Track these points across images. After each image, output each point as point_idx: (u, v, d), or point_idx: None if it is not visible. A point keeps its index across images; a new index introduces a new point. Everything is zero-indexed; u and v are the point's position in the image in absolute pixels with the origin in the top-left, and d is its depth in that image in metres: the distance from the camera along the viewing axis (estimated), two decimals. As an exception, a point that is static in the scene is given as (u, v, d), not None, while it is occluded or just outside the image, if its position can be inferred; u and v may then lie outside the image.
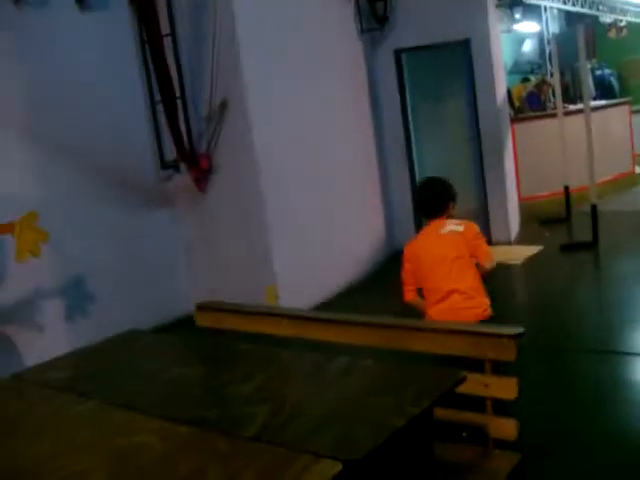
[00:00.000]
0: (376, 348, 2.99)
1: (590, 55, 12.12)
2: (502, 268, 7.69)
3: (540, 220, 9.68)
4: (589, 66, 16.73)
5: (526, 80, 13.12)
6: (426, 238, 3.92)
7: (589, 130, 8.15)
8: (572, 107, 11.32)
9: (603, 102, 12.15)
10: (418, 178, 10.49)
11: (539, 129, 10.32)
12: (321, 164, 7.34)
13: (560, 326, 5.92)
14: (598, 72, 17.79)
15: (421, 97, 10.49)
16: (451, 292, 3.70)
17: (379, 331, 2.97)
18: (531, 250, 8.28)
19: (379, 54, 8.89)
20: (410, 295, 3.92)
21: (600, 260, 8.00)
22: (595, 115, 11.16)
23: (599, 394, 4.50)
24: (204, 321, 3.54)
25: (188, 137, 6.74)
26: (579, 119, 10.80)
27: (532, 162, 10.37)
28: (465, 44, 8.60)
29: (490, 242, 8.61)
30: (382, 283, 7.80)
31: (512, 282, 7.55)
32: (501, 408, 2.72)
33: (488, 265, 3.83)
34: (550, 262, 7.88)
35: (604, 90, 17.24)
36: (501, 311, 5.86)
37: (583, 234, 8.23)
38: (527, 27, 13.86)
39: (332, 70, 7.67)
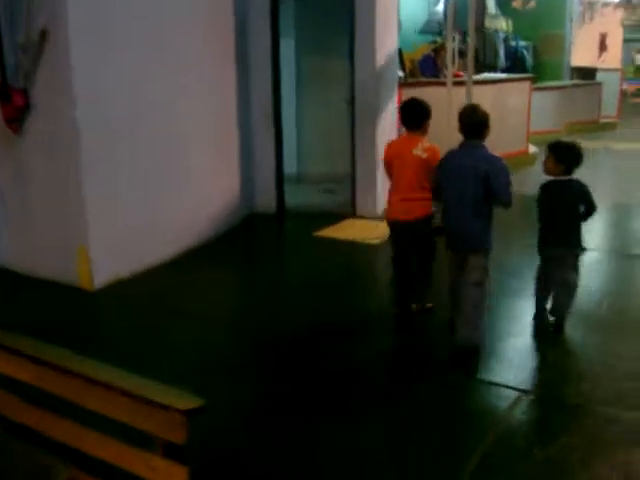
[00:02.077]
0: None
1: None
2: (358, 248, 7.12)
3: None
4: (503, 36, 16.28)
5: (434, 42, 12.47)
6: (401, 149, 4.95)
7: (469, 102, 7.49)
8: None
9: (503, 76, 11.57)
10: (296, 139, 9.86)
11: (428, 97, 9.59)
12: (165, 117, 6.47)
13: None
14: (513, 43, 17.33)
15: (307, 51, 9.75)
16: (405, 197, 4.84)
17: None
18: (395, 228, 7.67)
19: (253, 2, 8.00)
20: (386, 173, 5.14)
21: None
22: (493, 88, 10.66)
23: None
24: None
25: (0, 68, 5.79)
26: (474, 90, 10.28)
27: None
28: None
29: (354, 215, 8.03)
30: (230, 247, 7.16)
31: (357, 266, 6.95)
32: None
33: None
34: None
35: (516, 62, 16.79)
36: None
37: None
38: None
39: (187, 13, 6.74)
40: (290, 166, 9.72)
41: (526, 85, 11.47)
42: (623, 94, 22.01)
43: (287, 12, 9.59)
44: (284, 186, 8.51)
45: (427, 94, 9.60)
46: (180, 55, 6.62)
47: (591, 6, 19.30)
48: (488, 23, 16.28)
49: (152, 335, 5.09)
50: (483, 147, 4.49)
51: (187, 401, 1.91)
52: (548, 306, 5.03)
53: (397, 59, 9.32)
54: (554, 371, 4.57)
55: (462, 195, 4.42)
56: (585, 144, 5.38)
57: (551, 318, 5.01)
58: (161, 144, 6.45)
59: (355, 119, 7.92)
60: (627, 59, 33.46)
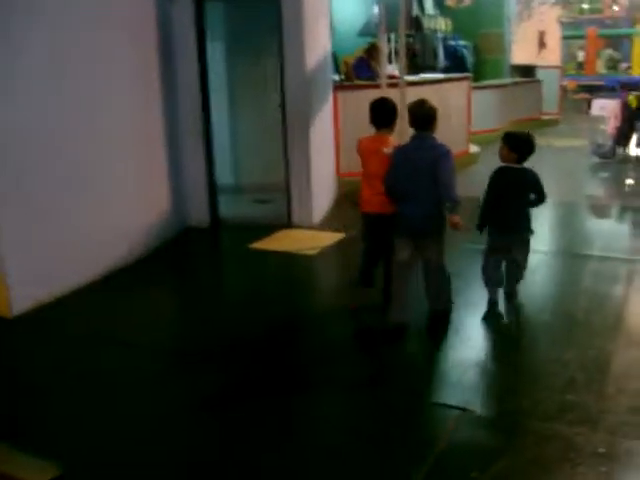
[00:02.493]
0: None
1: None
2: (294, 259, 6.83)
3: (352, 200, 8.84)
4: (441, 36, 16.17)
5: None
6: (372, 147, 5.20)
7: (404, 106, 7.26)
8: (408, 78, 10.49)
9: (441, 76, 11.38)
10: (229, 147, 9.53)
11: (364, 100, 9.37)
12: (84, 131, 6.08)
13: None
14: (452, 43, 17.23)
15: (239, 55, 9.42)
16: (380, 192, 4.98)
17: None
18: (333, 237, 7.39)
19: (177, 4, 7.62)
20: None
21: None
22: (431, 89, 10.45)
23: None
24: None
25: None
26: (411, 91, 10.06)
27: (355, 135, 9.45)
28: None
29: (290, 224, 7.74)
30: (162, 264, 6.80)
31: (294, 278, 6.57)
32: None
33: None
34: (345, 255, 7.01)
35: (456, 62, 16.69)
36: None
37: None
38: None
39: (107, 19, 6.34)
40: (226, 176, 9.39)
41: (465, 85, 11.31)
42: (564, 91, 22.16)
43: (216, 13, 9.29)
44: (219, 197, 8.17)
45: (362, 97, 9.42)
46: (100, 64, 6.24)
47: (528, 4, 19.34)
48: (427, 23, 16.16)
49: (71, 364, 4.70)
50: (432, 138, 4.84)
51: (45, 474, 1.62)
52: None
53: (330, 63, 9.08)
54: (495, 386, 4.34)
55: (417, 183, 4.74)
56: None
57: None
58: (81, 159, 6.05)
59: (287, 126, 7.61)
60: (568, 56, 33.92)
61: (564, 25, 30.91)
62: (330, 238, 7.34)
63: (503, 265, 5.31)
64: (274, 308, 5.66)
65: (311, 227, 7.73)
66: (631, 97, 11.90)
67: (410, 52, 15.35)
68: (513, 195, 5.07)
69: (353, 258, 6.94)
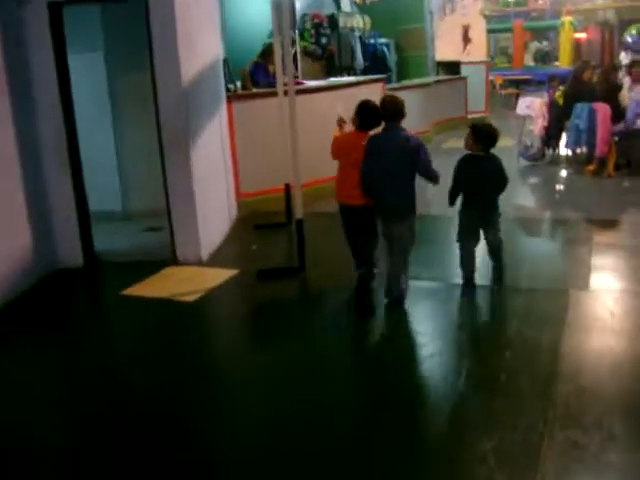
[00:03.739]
0: None
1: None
2: (171, 309, 5.72)
3: (255, 225, 7.78)
4: (357, 34, 15.21)
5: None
6: (353, 143, 5.32)
7: (292, 116, 6.32)
8: (311, 83, 9.47)
9: (352, 79, 10.36)
10: (116, 168, 8.39)
11: (262, 110, 8.34)
12: None
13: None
14: (372, 41, 16.31)
15: (121, 67, 8.26)
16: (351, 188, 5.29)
17: None
18: (222, 275, 6.30)
19: (30, 9, 6.42)
20: (333, 157, 5.61)
21: (300, 299, 6.12)
22: (343, 94, 9.46)
23: None
24: None
25: None
26: (317, 98, 9.07)
27: (255, 150, 8.43)
28: (142, -3, 6.38)
29: (175, 260, 6.64)
30: (12, 324, 5.58)
31: (167, 335, 5.34)
32: None
33: None
34: (233, 300, 5.95)
35: (377, 62, 15.77)
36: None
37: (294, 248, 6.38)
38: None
39: None
40: (112, 202, 8.29)
41: (379, 87, 10.33)
42: (492, 86, 21.49)
43: (93, 22, 8.15)
44: (100, 227, 7.05)
45: (259, 107, 8.39)
46: None
47: (450, -3, 18.54)
48: (343, 22, 15.18)
49: None
50: (404, 129, 5.20)
51: None
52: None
53: (221, 71, 7.98)
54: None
55: (391, 172, 5.10)
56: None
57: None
58: None
59: (163, 146, 6.49)
60: (498, 50, 33.55)
61: (491, 19, 30.51)
62: (218, 277, 6.25)
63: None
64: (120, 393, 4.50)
65: (200, 263, 6.63)
66: (558, 94, 11.09)
67: (326, 53, 14.40)
68: (483, 179, 5.53)
69: (244, 302, 5.95)
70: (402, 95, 11.42)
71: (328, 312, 5.56)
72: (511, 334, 4.82)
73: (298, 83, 8.98)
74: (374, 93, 10.19)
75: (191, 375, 4.55)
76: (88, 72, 7.95)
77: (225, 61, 8.20)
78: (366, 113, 5.36)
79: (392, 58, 16.89)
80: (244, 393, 4.30)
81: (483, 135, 5.50)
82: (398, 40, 17.23)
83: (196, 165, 6.57)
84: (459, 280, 5.75)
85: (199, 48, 7.00)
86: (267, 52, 8.83)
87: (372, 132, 5.35)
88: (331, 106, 9.20)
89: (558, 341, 4.58)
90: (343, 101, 9.37)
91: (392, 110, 5.18)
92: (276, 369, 4.55)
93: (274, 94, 7.98)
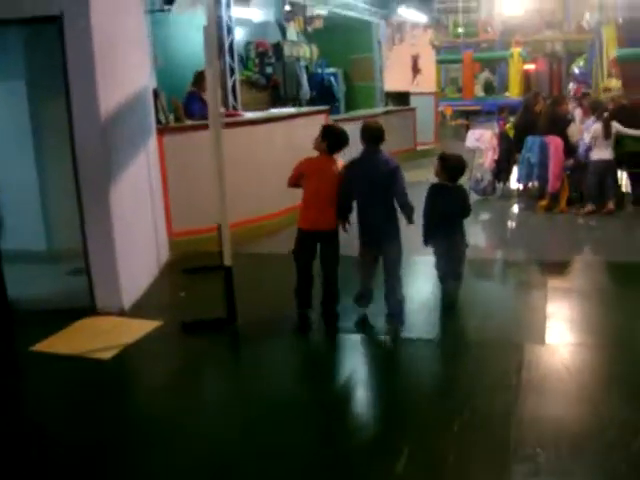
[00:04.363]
0: None
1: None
2: (77, 369, 5.08)
3: (184, 269, 7.17)
4: (303, 64, 14.79)
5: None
6: (322, 167, 5.46)
7: (218, 155, 5.74)
8: (249, 115, 8.95)
9: (292, 110, 9.85)
10: (39, 205, 7.72)
11: (195, 143, 7.77)
12: None
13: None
14: (319, 71, 15.92)
15: (44, 97, 7.59)
16: (325, 210, 5.40)
17: None
18: (144, 328, 5.66)
19: None
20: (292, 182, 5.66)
21: (227, 358, 5.49)
22: (280, 126, 8.97)
23: None
24: None
25: None
26: (255, 131, 8.56)
27: (188, 186, 7.85)
28: (57, 22, 5.78)
29: (94, 308, 6.01)
30: None
31: (76, 401, 4.62)
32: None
33: None
34: (154, 360, 5.32)
35: (323, 92, 15.36)
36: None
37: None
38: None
39: None
40: (36, 241, 7.61)
41: (322, 118, 9.84)
42: (442, 117, 21.29)
43: (15, 48, 7.53)
44: (16, 271, 6.32)
45: (192, 140, 7.84)
46: None
47: (400, 27, 18.28)
48: (289, 51, 14.75)
49: None
50: (383, 152, 5.36)
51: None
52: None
53: (150, 102, 7.41)
54: None
55: (375, 194, 5.22)
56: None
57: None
58: None
59: (80, 184, 5.87)
60: (448, 80, 33.59)
61: (443, 49, 30.54)
62: (139, 329, 5.61)
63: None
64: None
65: (121, 312, 6.00)
66: (508, 126, 10.77)
67: (271, 83, 13.94)
68: (449, 208, 5.79)
69: (164, 361, 5.33)
70: (349, 127, 10.94)
71: (257, 372, 4.97)
72: (460, 401, 4.26)
73: (234, 115, 8.46)
74: (316, 125, 9.74)
75: (97, 449, 3.91)
76: (8, 101, 7.36)
77: (155, 92, 7.61)
78: (334, 137, 5.45)
79: (340, 88, 16.50)
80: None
81: (449, 164, 5.84)
82: (347, 70, 16.87)
83: (117, 203, 5.96)
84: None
85: (123, 77, 6.42)
86: (199, 79, 8.27)
87: (333, 156, 5.48)
88: (272, 136, 8.74)
89: (512, 407, 4.06)
90: (283, 133, 8.95)
91: (373, 134, 5.34)
92: (197, 442, 3.94)
93: (204, 127, 7.42)
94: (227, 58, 8.98)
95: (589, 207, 9.07)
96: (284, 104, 13.69)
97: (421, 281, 6.71)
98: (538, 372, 4.58)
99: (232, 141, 8.15)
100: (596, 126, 9.14)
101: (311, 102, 14.47)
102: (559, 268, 7.02)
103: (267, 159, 8.52)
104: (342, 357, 5.31)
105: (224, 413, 4.35)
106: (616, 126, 9.12)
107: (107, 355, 5.18)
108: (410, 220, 5.27)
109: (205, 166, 7.49)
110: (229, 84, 9.08)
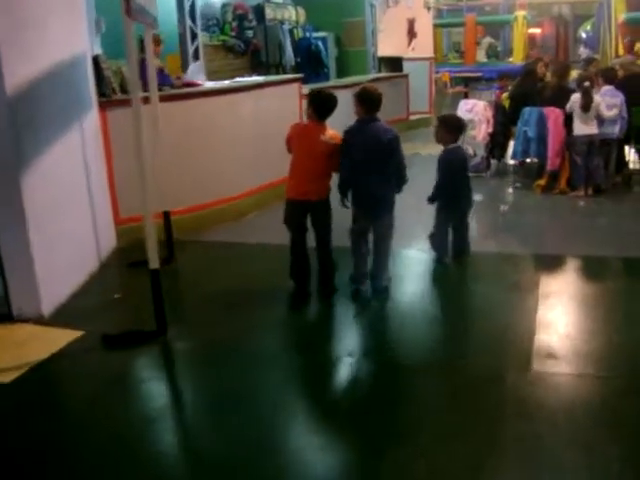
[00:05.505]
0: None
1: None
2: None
3: (129, 263, 6.29)
4: (288, 27, 13.79)
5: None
6: (309, 134, 5.21)
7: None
8: (208, 84, 8.00)
9: (260, 79, 8.81)
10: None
11: (147, 117, 6.82)
12: None
13: None
14: (307, 35, 14.88)
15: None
16: (314, 179, 5.19)
17: None
18: (61, 340, 4.80)
19: None
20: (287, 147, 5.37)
21: (150, 382, 4.51)
22: (248, 96, 8.03)
23: None
24: None
25: None
26: (216, 102, 7.65)
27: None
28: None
29: (10, 316, 5.15)
30: None
31: None
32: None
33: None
34: (69, 377, 4.48)
35: (311, 58, 14.33)
36: None
37: (169, 298, 4.90)
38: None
39: None
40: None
41: (294, 88, 8.87)
42: (443, 84, 20.24)
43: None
44: None
45: (142, 115, 6.89)
46: None
47: (395, -11, 17.17)
48: (272, 13, 13.72)
49: None
50: (380, 119, 5.16)
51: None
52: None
53: (88, 72, 6.47)
54: None
55: (372, 162, 5.07)
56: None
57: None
58: None
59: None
60: (450, 45, 32.42)
61: (445, 12, 29.32)
62: (54, 342, 4.75)
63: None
64: None
65: (40, 319, 5.14)
66: (504, 95, 9.78)
67: (251, 48, 12.95)
68: (461, 169, 5.97)
69: (75, 385, 4.46)
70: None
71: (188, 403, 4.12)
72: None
73: (192, 84, 7.52)
74: (289, 95, 8.80)
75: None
76: None
77: (96, 59, 6.67)
78: (321, 102, 5.18)
79: (331, 54, 15.47)
80: None
81: (453, 124, 5.96)
82: (339, 34, 15.81)
83: (33, 193, 5.07)
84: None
85: (41, 47, 5.44)
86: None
87: (321, 122, 5.20)
88: (238, 107, 7.80)
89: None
90: (250, 105, 8.00)
91: (372, 101, 5.13)
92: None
93: (162, 98, 6.51)
94: (188, 21, 8.00)
95: (581, 191, 8.19)
96: (266, 71, 12.73)
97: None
98: (525, 413, 3.71)
99: (190, 114, 7.28)
100: (575, 96, 8.11)
101: (296, 68, 13.48)
102: (554, 265, 6.10)
103: (230, 133, 7.60)
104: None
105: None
106: (597, 100, 8.07)
107: (8, 378, 4.33)
108: (399, 190, 5.25)
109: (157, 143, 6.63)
110: (190, 50, 8.12)
